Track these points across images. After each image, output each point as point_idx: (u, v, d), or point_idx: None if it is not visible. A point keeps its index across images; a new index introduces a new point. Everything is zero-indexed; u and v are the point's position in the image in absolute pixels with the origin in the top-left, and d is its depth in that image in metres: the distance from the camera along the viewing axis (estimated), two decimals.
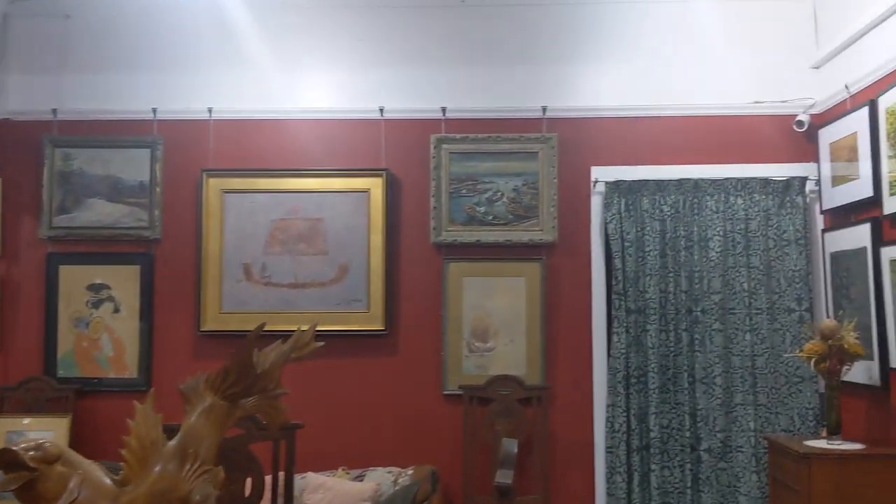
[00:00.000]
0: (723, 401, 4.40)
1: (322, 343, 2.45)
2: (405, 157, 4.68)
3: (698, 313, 4.46)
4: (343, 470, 4.37)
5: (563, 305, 4.62)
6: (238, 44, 4.69)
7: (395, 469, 4.36)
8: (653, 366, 4.43)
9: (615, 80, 4.69)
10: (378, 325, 4.57)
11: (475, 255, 4.62)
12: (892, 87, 3.63)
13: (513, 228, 4.61)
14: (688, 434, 4.41)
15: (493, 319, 4.59)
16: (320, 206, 4.62)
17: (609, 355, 4.52)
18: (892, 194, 3.66)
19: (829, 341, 3.74)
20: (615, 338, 4.48)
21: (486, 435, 4.45)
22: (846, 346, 3.71)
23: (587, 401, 4.57)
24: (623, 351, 4.46)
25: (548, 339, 4.58)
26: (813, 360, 3.78)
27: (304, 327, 2.43)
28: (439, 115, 4.65)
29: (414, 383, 4.59)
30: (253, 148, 4.71)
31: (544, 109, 4.64)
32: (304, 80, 4.74)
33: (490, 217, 4.61)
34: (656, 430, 4.40)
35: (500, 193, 4.61)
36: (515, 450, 2.78)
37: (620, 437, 4.40)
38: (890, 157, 3.67)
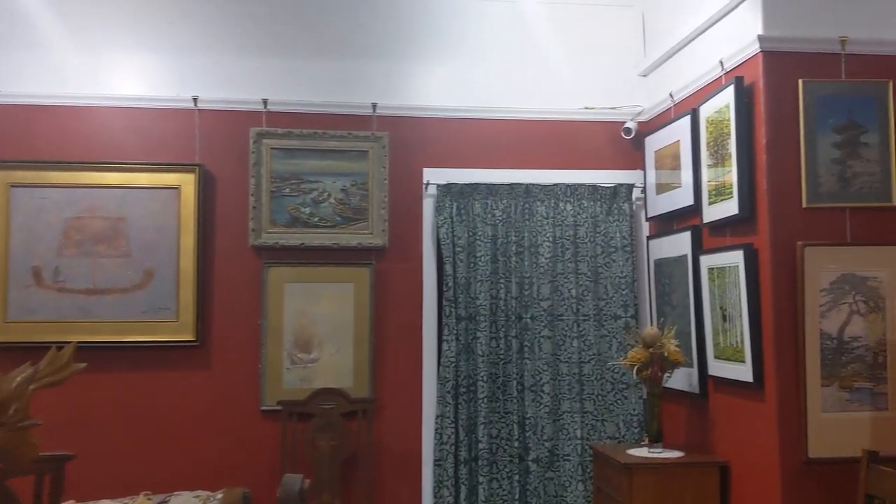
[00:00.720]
0: (551, 409, 4.33)
1: (83, 365, 2.08)
2: (222, 151, 4.31)
3: (528, 320, 4.38)
4: (145, 495, 3.93)
5: (392, 313, 4.41)
6: (26, 21, 4.16)
7: (204, 493, 3.96)
8: (482, 374, 4.30)
9: (448, 80, 4.53)
10: (188, 336, 4.17)
11: (299, 260, 4.31)
12: (712, 97, 3.66)
13: (340, 231, 4.34)
14: (516, 444, 4.31)
15: (318, 328, 4.31)
16: (122, 203, 4.16)
17: (439, 364, 4.35)
18: (711, 203, 3.70)
19: (651, 349, 3.73)
20: (445, 346, 4.32)
21: (307, 452, 4.16)
22: (667, 353, 3.72)
23: (416, 412, 4.38)
24: (453, 359, 4.30)
25: (376, 349, 4.35)
26: (635, 367, 3.77)
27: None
28: (260, 108, 4.32)
29: (229, 399, 4.23)
30: (45, 137, 4.19)
31: (375, 107, 4.42)
32: (108, 63, 4.26)
33: (315, 219, 4.32)
34: (485, 441, 4.27)
35: (326, 194, 4.34)
36: (298, 488, 2.50)
37: (448, 448, 4.24)
38: (709, 167, 3.71)
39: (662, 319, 4.18)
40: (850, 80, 3.32)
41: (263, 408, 4.23)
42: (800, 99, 3.29)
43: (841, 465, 3.16)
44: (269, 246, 4.27)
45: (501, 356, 4.36)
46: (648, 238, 4.50)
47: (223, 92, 4.31)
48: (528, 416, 4.32)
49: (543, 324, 4.37)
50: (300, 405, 4.17)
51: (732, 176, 3.45)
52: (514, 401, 4.33)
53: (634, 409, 4.37)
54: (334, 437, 4.16)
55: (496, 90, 4.54)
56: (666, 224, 4.29)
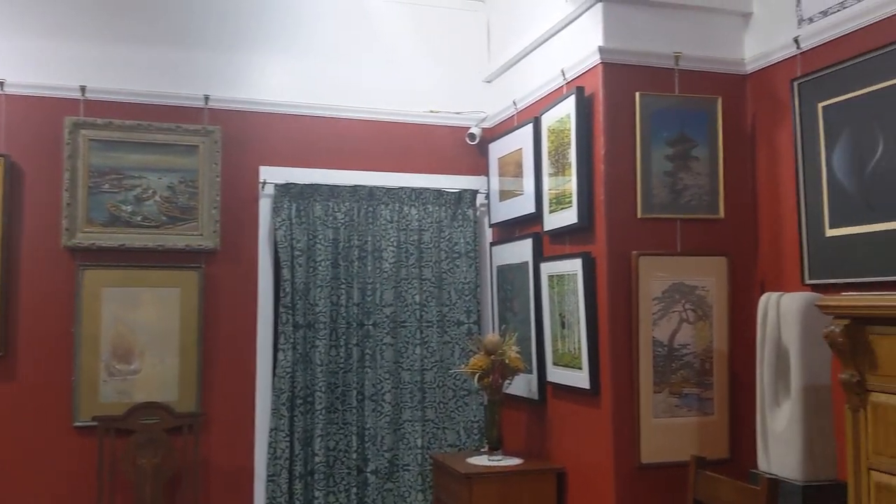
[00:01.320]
0: (391, 418, 4.22)
1: None
2: (32, 142, 3.88)
3: (370, 327, 4.24)
4: None
5: (224, 320, 4.13)
6: None
7: None
8: (321, 384, 4.12)
9: (290, 75, 4.32)
10: None
11: (118, 262, 3.95)
12: (553, 106, 3.68)
13: (166, 232, 4.02)
14: (355, 456, 4.16)
15: (140, 337, 3.96)
16: None
17: (274, 374, 4.12)
18: (552, 212, 3.71)
19: (493, 356, 3.70)
20: (281, 355, 4.10)
21: (126, 472, 3.81)
22: (508, 360, 3.70)
23: (248, 426, 4.13)
24: (289, 369, 4.09)
25: (205, 359, 4.06)
26: (476, 375, 3.72)
27: None
28: (77, 95, 3.93)
29: (36, 414, 3.81)
30: None
31: (207, 99, 4.13)
32: None
33: (138, 218, 3.98)
34: (322, 454, 4.08)
35: (151, 191, 4.00)
36: None
37: (282, 463, 4.02)
38: (551, 175, 3.72)
39: (504, 326, 4.18)
40: (683, 95, 3.42)
41: (77, 424, 3.84)
42: (636, 111, 3.36)
43: (671, 469, 3.25)
44: (85, 247, 3.88)
45: (341, 365, 4.19)
46: (491, 244, 4.48)
47: (35, 76, 3.89)
48: (368, 426, 4.19)
49: (386, 331, 4.25)
50: (118, 420, 3.81)
51: (572, 185, 3.48)
52: (354, 411, 4.18)
53: (475, 416, 4.33)
54: (157, 455, 3.84)
55: (340, 88, 4.38)
56: (508, 231, 4.29)
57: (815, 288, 3.07)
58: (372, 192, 4.32)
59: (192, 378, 4.02)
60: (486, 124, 4.58)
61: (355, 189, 4.29)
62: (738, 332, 3.40)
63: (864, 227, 2.88)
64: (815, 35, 3.11)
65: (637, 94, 3.36)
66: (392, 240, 4.31)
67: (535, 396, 3.90)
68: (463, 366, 4.01)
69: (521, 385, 3.97)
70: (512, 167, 4.17)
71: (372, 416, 4.19)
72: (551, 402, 3.82)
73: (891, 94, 2.76)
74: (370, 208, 4.31)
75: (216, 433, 4.06)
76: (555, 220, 3.67)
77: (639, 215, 3.35)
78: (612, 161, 3.35)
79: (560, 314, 3.63)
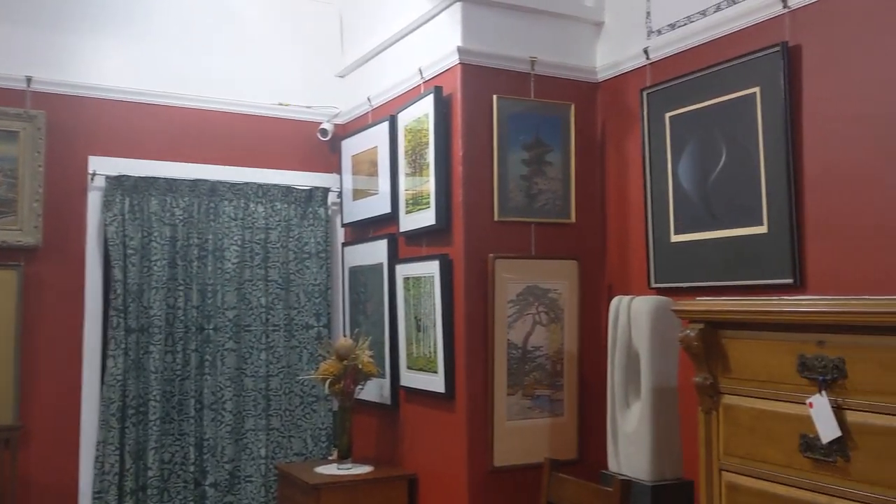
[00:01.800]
0: (233, 427, 3.98)
1: None
2: None
3: (210, 331, 3.98)
4: None
5: (47, 323, 3.74)
6: None
7: None
8: (155, 393, 3.82)
9: (126, 58, 3.98)
10: None
11: None
12: (410, 105, 3.60)
13: None
14: (192, 468, 3.89)
15: None
16: None
17: (103, 383, 3.78)
18: (408, 212, 3.63)
19: (345, 361, 3.57)
20: (111, 362, 3.76)
21: None
22: (361, 365, 3.58)
23: (73, 439, 3.76)
24: (120, 377, 3.76)
25: (24, 367, 3.66)
26: (327, 381, 3.58)
27: None
28: None
29: None
30: None
31: (29, 80, 3.73)
32: None
33: None
34: (156, 468, 3.79)
35: None
36: None
37: (111, 479, 3.69)
38: (408, 175, 3.65)
39: (357, 329, 4.05)
40: (538, 100, 3.45)
41: None
42: (494, 114, 3.35)
43: (524, 471, 3.26)
44: None
45: (178, 372, 3.91)
46: (344, 245, 4.35)
47: None
48: (207, 436, 3.93)
49: (228, 335, 4.01)
50: None
51: (430, 186, 3.42)
52: (192, 421, 3.91)
53: (323, 423, 4.18)
54: None
55: (182, 75, 4.09)
56: (362, 231, 4.17)
57: (660, 291, 3.17)
58: (214, 188, 4.06)
59: (9, 388, 3.61)
60: (339, 120, 4.44)
61: (196, 183, 4.02)
62: (588, 334, 3.47)
63: (706, 233, 3.01)
64: (664, 47, 3.23)
65: (495, 96, 3.35)
66: (236, 238, 4.07)
67: (388, 402, 3.81)
68: (312, 371, 3.85)
69: (373, 390, 3.87)
70: (366, 165, 4.06)
71: (211, 426, 3.94)
72: (404, 408, 3.74)
73: (733, 106, 2.89)
74: (212, 204, 4.05)
75: (36, 448, 3.67)
76: (411, 222, 3.60)
77: (495, 218, 3.34)
78: (471, 163, 3.32)
79: (415, 317, 3.56)
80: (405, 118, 3.66)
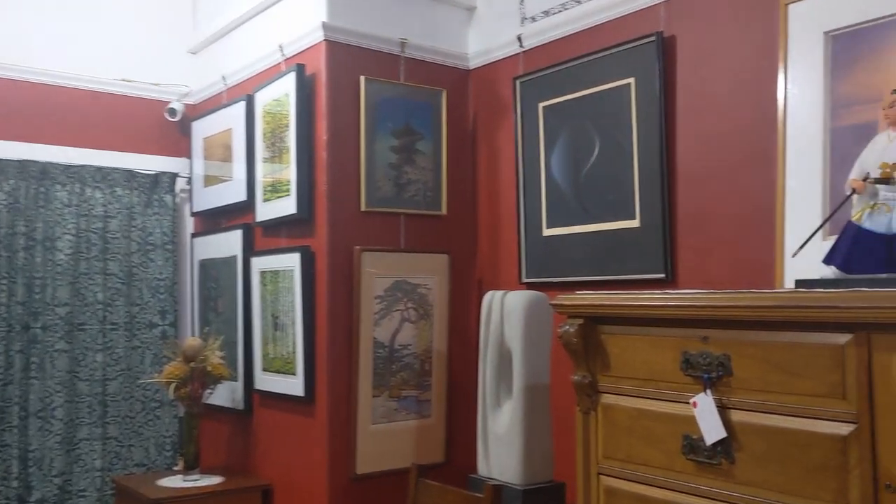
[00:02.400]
0: (64, 437, 3.56)
1: None
2: None
3: (38, 330, 3.54)
4: None
5: None
6: None
7: None
8: None
9: None
10: None
11: None
12: (269, 84, 3.33)
13: None
14: (16, 483, 3.44)
15: None
16: None
17: None
18: (266, 201, 3.35)
19: (193, 363, 3.25)
20: None
21: None
22: (210, 368, 3.27)
23: None
24: None
25: None
26: (173, 385, 3.24)
27: None
28: None
29: None
30: None
31: None
32: None
33: None
34: None
35: None
36: None
37: None
38: (266, 160, 3.37)
39: (207, 328, 3.72)
40: (408, 84, 3.26)
41: None
42: (361, 97, 3.13)
43: (389, 478, 3.07)
44: None
45: (0, 377, 3.46)
46: (193, 236, 3.99)
47: None
48: (33, 448, 3.49)
49: (59, 335, 3.58)
50: None
51: (290, 172, 3.16)
52: (15, 431, 3.46)
53: (168, 431, 3.82)
54: None
55: (8, 41, 3.61)
56: (213, 221, 3.84)
57: (531, 286, 3.06)
58: (45, 170, 3.61)
59: None
60: (190, 100, 4.08)
61: (23, 164, 3.56)
62: (457, 331, 3.33)
63: (579, 227, 2.93)
64: (538, 34, 3.12)
65: (362, 78, 3.13)
66: (70, 227, 3.64)
67: (241, 406, 3.51)
68: (156, 374, 3.49)
69: (224, 394, 3.55)
70: (220, 149, 3.74)
71: (38, 436, 3.50)
72: (259, 413, 3.45)
73: (607, 97, 2.82)
74: (42, 189, 3.60)
75: None
76: (269, 210, 3.32)
77: (362, 208, 3.12)
78: (336, 148, 3.09)
79: (273, 314, 3.29)
80: (263, 98, 3.38)
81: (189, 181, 3.99)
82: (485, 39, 3.40)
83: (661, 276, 2.63)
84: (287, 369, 3.18)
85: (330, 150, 3.08)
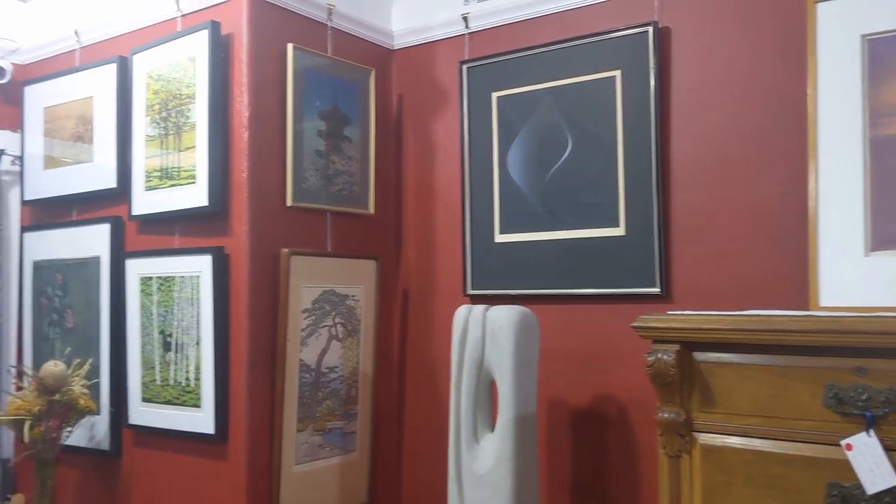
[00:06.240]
0: None
1: None
2: None
3: None
4: None
5: None
6: None
7: None
8: None
9: None
10: None
11: None
12: (159, 44, 2.66)
13: None
14: None
15: None
16: None
17: None
18: (150, 188, 2.67)
19: (58, 395, 2.49)
20: None
21: None
22: (79, 401, 2.54)
23: None
24: None
25: None
26: (27, 423, 2.47)
27: None
28: None
29: None
30: None
31: None
32: None
33: None
34: None
35: None
36: None
37: None
38: (150, 139, 2.68)
39: (68, 349, 2.89)
40: (337, 59, 2.76)
41: None
42: (289, 69, 2.58)
43: None
44: None
45: None
46: (24, 229, 3.15)
47: None
48: None
49: None
50: None
51: (198, 156, 2.52)
52: None
53: None
54: None
55: None
56: (54, 212, 3.04)
57: (476, 298, 2.72)
58: None
59: None
60: (18, 59, 3.22)
61: None
62: (381, 350, 2.88)
63: (543, 234, 2.62)
64: (490, 15, 2.78)
65: (290, 45, 2.59)
66: None
67: (105, 446, 2.78)
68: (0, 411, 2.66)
69: (79, 432, 2.79)
70: (71, 122, 2.97)
71: None
72: (131, 455, 2.75)
73: (582, 90, 2.54)
74: None
75: None
76: (156, 201, 2.65)
77: (288, 203, 2.57)
78: (259, 128, 2.51)
79: (162, 331, 2.62)
80: (149, 61, 2.70)
81: (18, 160, 3.14)
82: (413, 16, 2.99)
83: (655, 290, 2.39)
84: (186, 400, 2.54)
85: (252, 130, 2.50)
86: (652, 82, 2.41)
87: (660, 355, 1.61)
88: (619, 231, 2.47)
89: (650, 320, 1.65)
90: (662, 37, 2.43)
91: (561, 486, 2.56)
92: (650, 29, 2.42)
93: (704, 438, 1.62)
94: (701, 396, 1.62)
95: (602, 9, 2.55)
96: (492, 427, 2.31)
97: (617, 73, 2.49)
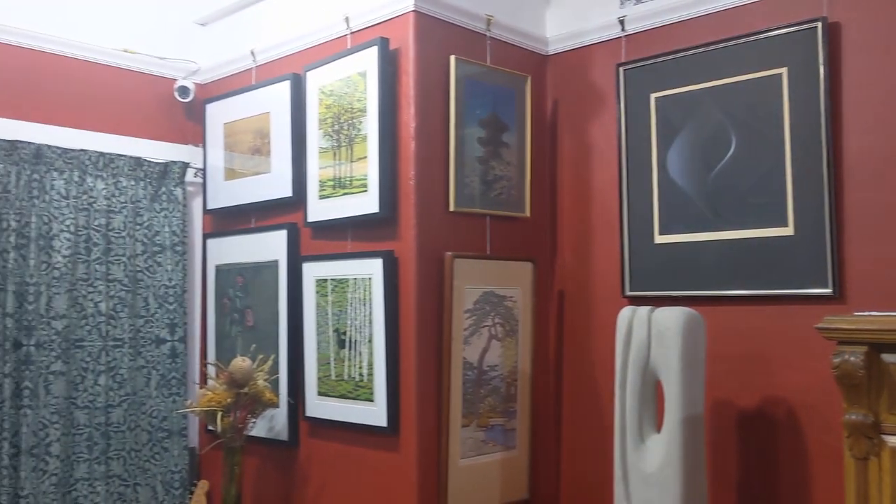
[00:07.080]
0: (60, 478, 2.95)
1: None
2: None
3: (31, 348, 2.91)
4: None
5: None
6: None
7: None
8: None
9: None
10: None
11: None
12: (332, 61, 2.84)
13: None
14: None
15: None
16: None
17: None
18: (323, 197, 2.86)
19: (245, 388, 2.72)
20: None
21: None
22: (266, 395, 2.75)
23: None
24: None
25: None
26: (220, 414, 2.70)
27: None
28: None
29: None
30: None
31: None
32: None
33: None
34: None
35: None
36: None
37: None
38: (324, 151, 2.87)
39: (253, 346, 3.14)
40: (496, 68, 2.85)
41: None
42: (452, 80, 2.70)
43: None
44: None
45: None
46: (207, 236, 3.43)
47: None
48: (26, 492, 2.86)
49: (55, 354, 2.96)
50: None
51: (370, 166, 2.68)
52: (4, 472, 2.81)
53: (177, 465, 3.25)
54: None
55: None
56: (233, 220, 3.30)
57: (635, 300, 2.72)
58: (40, 153, 2.99)
59: None
60: (199, 78, 3.51)
61: (14, 146, 2.92)
62: (538, 349, 2.94)
63: (706, 234, 2.60)
64: (647, 17, 2.79)
65: (453, 57, 2.70)
66: (69, 223, 3.03)
67: (283, 437, 3.00)
68: (193, 402, 2.92)
69: (259, 423, 3.01)
70: (249, 136, 3.21)
71: (32, 478, 2.87)
72: (307, 445, 2.95)
73: (749, 88, 2.51)
74: (36, 175, 2.98)
75: None
76: (329, 209, 2.83)
77: (451, 208, 2.69)
78: (425, 139, 2.64)
79: (337, 330, 2.80)
80: (321, 78, 2.89)
81: (202, 173, 3.43)
82: (567, 22, 3.04)
83: (826, 291, 2.33)
84: (359, 395, 2.70)
85: (419, 140, 2.63)
86: (822, 79, 2.35)
87: (847, 357, 1.59)
88: (788, 231, 2.43)
89: (836, 321, 1.63)
90: (832, 32, 2.37)
91: (727, 486, 2.53)
92: (819, 24, 2.36)
93: (894, 441, 1.58)
94: (890, 399, 1.59)
95: (759, 7, 2.51)
96: (657, 427, 2.33)
97: (783, 71, 2.45)
